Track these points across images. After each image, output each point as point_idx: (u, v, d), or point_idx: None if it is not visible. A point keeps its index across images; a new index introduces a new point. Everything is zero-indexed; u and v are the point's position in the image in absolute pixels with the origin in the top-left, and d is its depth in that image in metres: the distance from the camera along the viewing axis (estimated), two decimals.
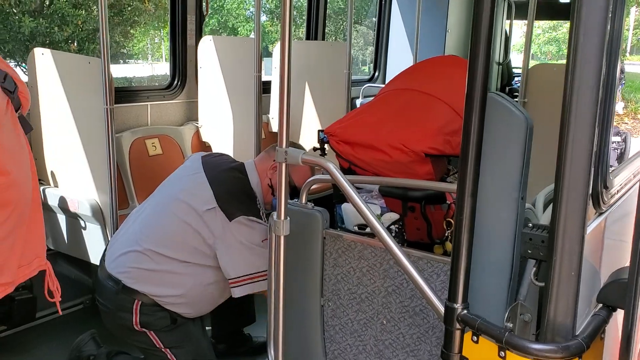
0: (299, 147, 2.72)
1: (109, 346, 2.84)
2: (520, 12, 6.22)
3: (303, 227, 2.12)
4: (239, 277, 2.43)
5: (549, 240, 1.38)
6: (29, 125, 1.98)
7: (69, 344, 3.13)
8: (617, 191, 1.74)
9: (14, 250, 1.81)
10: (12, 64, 9.88)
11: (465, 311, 1.51)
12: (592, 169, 1.35)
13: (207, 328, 2.90)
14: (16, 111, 1.86)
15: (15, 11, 9.97)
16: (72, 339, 3.14)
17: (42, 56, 3.31)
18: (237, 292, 2.44)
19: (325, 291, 2.15)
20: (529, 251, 1.50)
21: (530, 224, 1.52)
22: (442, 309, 1.57)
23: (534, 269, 1.53)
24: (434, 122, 2.10)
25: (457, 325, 1.51)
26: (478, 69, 1.39)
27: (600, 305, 1.60)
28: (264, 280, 2.41)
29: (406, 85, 2.32)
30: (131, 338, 2.53)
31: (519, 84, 6.45)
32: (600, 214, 1.60)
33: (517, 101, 3.83)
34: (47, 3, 11.05)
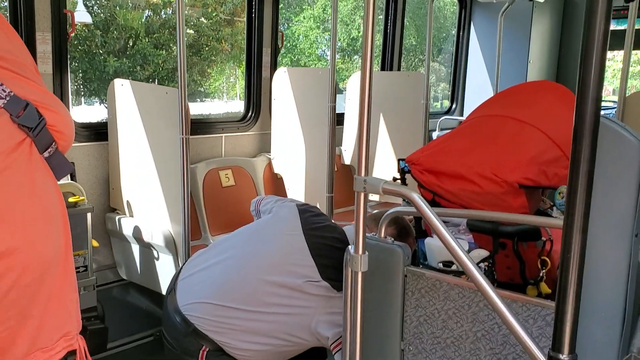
0: (412, 229, 2.50)
1: None
2: (614, 41, 5.91)
3: (382, 263, 1.97)
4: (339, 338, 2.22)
5: None
6: (67, 166, 1.46)
7: None
8: None
9: (20, 337, 1.32)
10: (96, 101, 10.37)
11: None
12: None
13: None
14: (44, 150, 1.39)
15: (101, 52, 10.48)
16: None
17: (122, 87, 3.37)
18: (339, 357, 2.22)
19: (406, 334, 1.98)
20: None
21: None
22: (542, 359, 1.38)
23: None
24: (527, 150, 1.92)
25: None
26: (591, 85, 1.22)
27: None
28: None
29: (495, 111, 2.16)
30: None
31: (610, 114, 6.12)
32: None
33: None
34: (131, 44, 11.58)
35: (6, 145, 1.31)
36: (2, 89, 1.32)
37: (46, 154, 1.40)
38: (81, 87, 10.35)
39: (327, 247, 2.38)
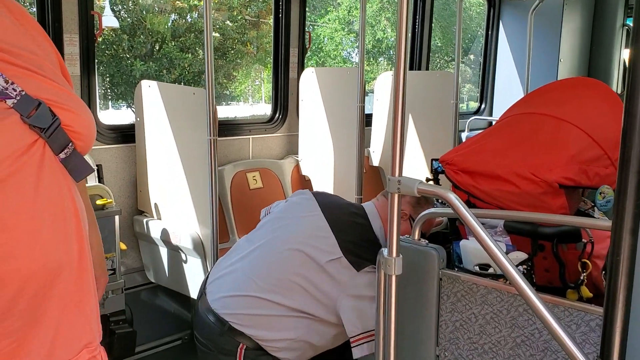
0: (430, 199, 2.52)
1: None
2: None
3: (416, 266, 1.92)
4: (361, 334, 2.21)
5: None
6: (86, 167, 1.39)
7: None
8: None
9: (31, 350, 1.25)
10: (123, 105, 10.48)
11: None
12: None
13: None
14: (60, 151, 1.31)
15: (127, 56, 10.60)
16: None
17: (149, 88, 3.36)
18: (357, 353, 2.22)
19: (442, 339, 1.92)
20: None
21: None
22: None
23: None
24: (566, 149, 1.85)
25: None
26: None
27: None
28: None
29: (532, 109, 2.09)
30: None
31: None
32: None
33: None
34: (157, 48, 11.69)
35: (16, 147, 1.24)
36: (13, 88, 1.25)
37: (62, 155, 1.33)
38: (108, 90, 10.47)
39: (346, 223, 2.40)
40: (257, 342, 2.28)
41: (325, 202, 2.51)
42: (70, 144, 1.33)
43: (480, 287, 1.80)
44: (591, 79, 2.28)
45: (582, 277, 1.86)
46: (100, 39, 3.35)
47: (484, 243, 1.51)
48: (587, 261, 1.84)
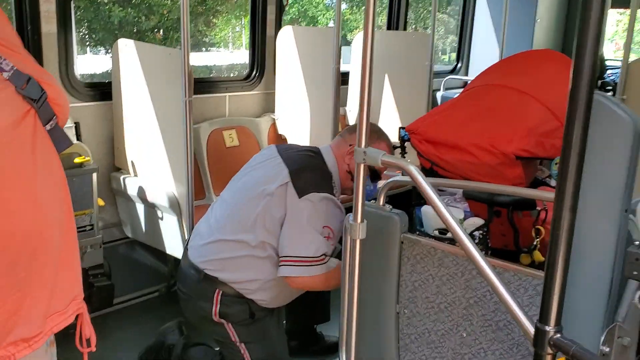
0: (381, 130, 2.66)
1: (189, 336, 2.86)
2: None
3: (380, 230, 2.02)
4: (292, 257, 2.35)
5: None
6: (67, 140, 1.51)
7: (145, 330, 3.20)
8: None
9: (33, 302, 1.39)
10: (102, 51, 10.30)
11: (558, 335, 1.37)
12: None
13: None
14: (47, 123, 1.44)
15: (105, 1, 10.36)
16: (149, 325, 3.21)
17: (126, 47, 3.36)
18: (283, 271, 2.35)
19: (402, 298, 2.04)
20: (635, 272, 1.34)
21: (638, 242, 1.35)
22: (531, 329, 1.43)
23: (638, 292, 1.37)
24: (525, 121, 1.94)
25: (549, 350, 1.37)
26: (585, 64, 1.24)
27: None
28: (309, 266, 2.33)
29: (496, 80, 2.17)
30: (209, 329, 2.53)
31: (611, 77, 6.05)
32: None
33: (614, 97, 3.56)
34: None
35: (14, 116, 1.36)
36: (6, 63, 1.37)
37: (48, 127, 1.45)
38: (86, 37, 10.28)
39: (298, 155, 2.54)
40: (232, 287, 2.42)
41: (284, 147, 2.66)
42: (55, 117, 1.46)
43: (438, 250, 1.92)
44: (556, 52, 2.35)
45: (535, 243, 1.99)
46: None
47: (439, 211, 1.61)
48: (541, 227, 1.96)
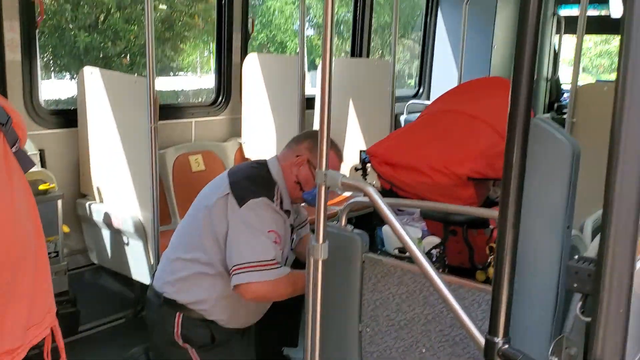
0: (336, 147, 2.66)
1: None
2: (570, 26, 6.08)
3: (342, 250, 2.08)
4: (242, 264, 2.33)
5: (595, 274, 1.30)
6: (30, 161, 1.63)
7: (111, 357, 3.19)
8: None
9: (15, 313, 1.48)
10: (67, 77, 10.24)
11: (506, 346, 1.44)
12: None
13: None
14: (12, 145, 1.54)
15: (71, 27, 10.33)
16: (115, 352, 3.19)
17: (91, 75, 3.40)
18: (235, 280, 2.32)
19: (364, 316, 2.10)
20: (575, 285, 1.43)
21: (577, 257, 1.44)
22: (482, 341, 1.51)
23: (580, 303, 1.46)
24: (477, 144, 2.04)
25: None
26: (521, 92, 1.34)
27: None
28: (259, 271, 2.31)
29: (449, 106, 2.28)
30: (174, 354, 2.53)
31: (567, 100, 6.29)
32: None
33: (564, 118, 3.72)
34: (102, 19, 11.41)
35: None
36: None
37: (14, 149, 1.54)
38: (51, 62, 10.21)
39: (242, 168, 2.59)
40: (190, 309, 2.45)
41: (236, 165, 2.71)
42: (18, 140, 1.56)
43: (397, 269, 1.99)
44: (503, 79, 2.48)
45: (489, 260, 2.08)
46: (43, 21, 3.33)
47: (395, 229, 1.68)
48: (494, 245, 2.05)
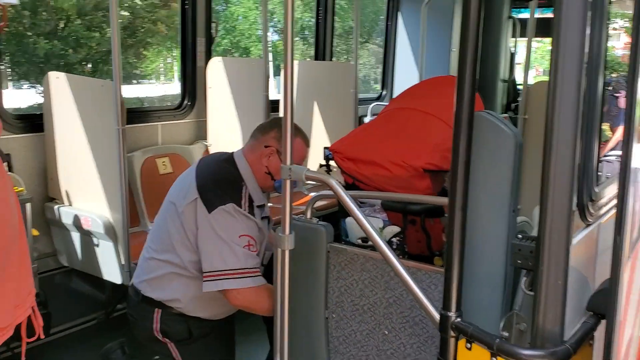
0: (303, 134, 2.67)
1: (132, 356, 2.92)
2: (525, 29, 6.30)
3: (308, 241, 2.19)
4: (212, 272, 2.38)
5: (536, 250, 1.45)
6: (3, 155, 1.71)
7: (83, 359, 3.23)
8: (607, 203, 1.81)
9: (6, 292, 1.56)
10: (26, 85, 10.11)
11: (459, 319, 1.58)
12: (576, 183, 1.42)
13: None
14: None
15: (30, 34, 10.20)
16: (86, 354, 3.24)
17: (57, 80, 3.44)
18: (207, 287, 2.39)
19: (330, 303, 2.22)
20: (519, 261, 1.57)
21: (520, 235, 1.59)
22: (437, 317, 1.64)
23: (525, 278, 1.60)
24: (431, 139, 2.18)
25: (452, 333, 1.58)
26: (465, 87, 1.48)
27: (591, 313, 1.66)
28: (232, 279, 2.37)
29: (406, 104, 2.42)
30: (155, 348, 2.61)
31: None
32: (588, 225, 1.67)
33: (517, 117, 3.91)
34: (62, 26, 11.28)
35: None
36: None
37: None
38: (9, 70, 10.06)
39: (210, 165, 2.60)
40: (168, 305, 2.52)
41: (205, 158, 2.73)
42: None
43: (360, 257, 2.11)
44: (452, 77, 2.62)
45: (445, 246, 2.21)
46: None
47: (358, 219, 1.81)
48: None
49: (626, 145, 1.43)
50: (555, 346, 1.44)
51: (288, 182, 1.92)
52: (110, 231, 3.25)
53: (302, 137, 2.60)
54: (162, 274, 2.51)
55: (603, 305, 1.55)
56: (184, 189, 2.51)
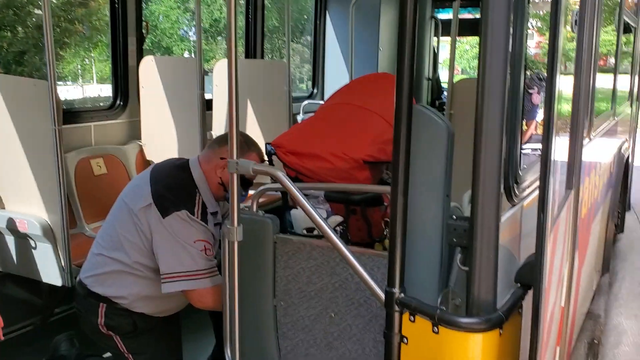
0: (251, 140, 2.76)
1: (84, 348, 2.92)
2: (447, 29, 6.61)
3: (255, 233, 2.28)
4: (170, 273, 2.47)
5: (469, 229, 1.61)
6: None
7: None
8: (530, 185, 2.01)
9: None
10: None
11: (402, 295, 1.72)
12: (502, 168, 1.60)
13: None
14: None
15: None
16: None
17: None
18: (166, 288, 2.48)
19: (278, 292, 2.32)
20: (454, 239, 1.74)
21: (454, 216, 1.75)
22: (382, 295, 1.78)
23: (460, 255, 1.76)
24: (369, 132, 2.33)
25: (396, 308, 1.73)
26: (404, 84, 1.62)
27: (518, 284, 1.85)
28: (191, 280, 2.46)
29: (345, 100, 2.55)
30: (102, 341, 2.65)
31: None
32: (514, 205, 1.85)
33: (444, 113, 4.14)
34: None
35: None
36: None
37: None
38: None
39: (165, 170, 2.67)
40: (113, 301, 2.57)
41: (160, 163, 2.79)
42: None
43: (306, 245, 2.23)
44: (389, 74, 2.79)
45: (385, 233, 2.37)
46: None
47: (306, 210, 1.92)
48: (388, 219, 2.34)
49: (547, 129, 1.62)
50: (489, 314, 1.61)
51: (235, 176, 2.00)
52: (48, 233, 3.21)
53: (257, 152, 2.69)
54: (110, 271, 2.55)
55: (529, 276, 1.73)
56: (138, 192, 2.58)
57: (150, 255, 2.53)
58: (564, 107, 2.31)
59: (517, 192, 1.83)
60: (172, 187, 2.57)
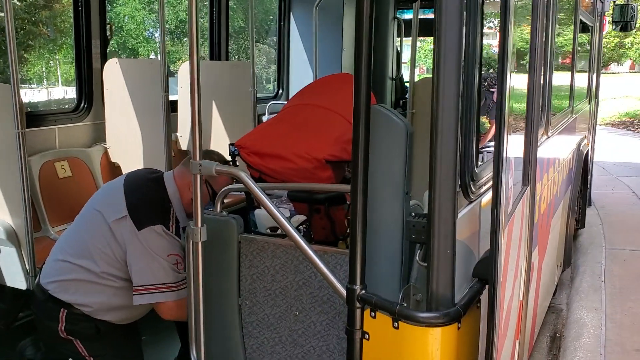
0: (216, 154, 2.82)
1: (46, 352, 2.88)
2: (409, 29, 6.69)
3: (219, 233, 2.31)
4: (142, 286, 2.50)
5: (427, 226, 1.66)
6: None
7: None
8: (487, 182, 2.07)
9: None
10: None
11: (363, 291, 1.76)
12: (458, 165, 1.65)
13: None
14: None
15: None
16: None
17: None
18: (138, 300, 2.51)
19: (243, 291, 2.34)
20: (413, 236, 1.78)
21: (413, 213, 1.80)
22: (344, 291, 1.82)
23: (419, 251, 1.81)
24: (331, 132, 2.36)
25: (358, 304, 1.76)
26: (362, 83, 1.66)
27: (476, 279, 1.90)
28: (163, 292, 2.50)
29: (307, 101, 2.58)
30: (60, 347, 2.61)
31: None
32: (471, 202, 1.91)
33: (406, 112, 4.21)
34: None
35: None
36: None
37: None
38: None
39: (140, 183, 2.68)
40: (76, 307, 2.54)
41: (132, 172, 2.79)
42: None
43: (270, 244, 2.26)
44: (349, 75, 2.83)
45: (348, 231, 2.40)
46: None
47: (269, 210, 1.95)
48: None
49: (499, 127, 1.67)
50: (448, 308, 1.66)
51: (198, 177, 2.02)
52: (12, 237, 3.17)
53: (218, 159, 2.72)
54: (74, 278, 2.53)
55: (486, 271, 1.78)
56: (112, 202, 2.58)
57: (120, 266, 2.54)
58: (522, 105, 2.39)
59: (473, 189, 1.88)
60: (148, 200, 2.60)
